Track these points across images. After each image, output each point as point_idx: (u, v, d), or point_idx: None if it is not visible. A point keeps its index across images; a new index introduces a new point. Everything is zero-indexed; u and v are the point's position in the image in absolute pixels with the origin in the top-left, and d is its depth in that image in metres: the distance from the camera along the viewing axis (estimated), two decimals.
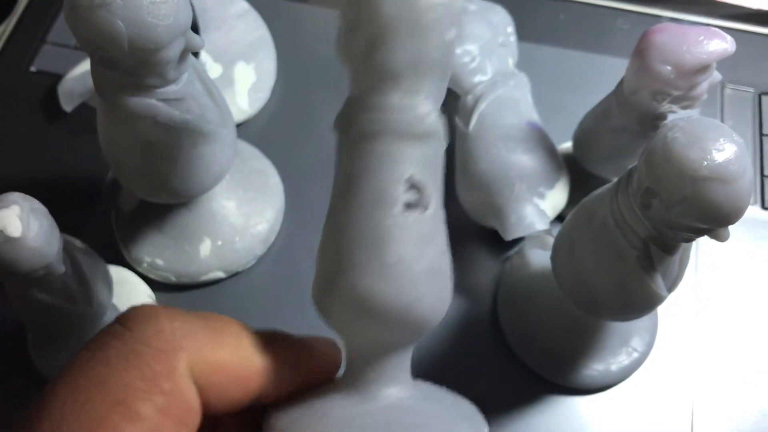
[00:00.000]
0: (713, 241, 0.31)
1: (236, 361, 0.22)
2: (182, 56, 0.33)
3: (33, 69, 0.52)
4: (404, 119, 0.20)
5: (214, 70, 0.50)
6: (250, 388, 0.22)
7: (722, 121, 0.51)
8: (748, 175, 0.29)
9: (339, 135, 0.21)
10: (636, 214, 0.31)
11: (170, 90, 0.34)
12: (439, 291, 0.23)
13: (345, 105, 0.21)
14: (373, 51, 0.20)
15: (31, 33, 0.54)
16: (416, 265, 0.21)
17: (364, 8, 0.19)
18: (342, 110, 0.21)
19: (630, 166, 0.33)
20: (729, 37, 0.37)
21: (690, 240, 0.32)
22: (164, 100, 0.34)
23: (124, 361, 0.20)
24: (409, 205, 0.21)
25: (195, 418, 0.20)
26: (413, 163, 0.21)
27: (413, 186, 0.21)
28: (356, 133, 0.21)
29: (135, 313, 0.21)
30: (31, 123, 0.50)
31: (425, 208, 0.21)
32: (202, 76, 0.36)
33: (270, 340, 0.23)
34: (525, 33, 0.52)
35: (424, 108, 0.21)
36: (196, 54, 0.34)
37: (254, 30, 0.52)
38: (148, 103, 0.34)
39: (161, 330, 0.20)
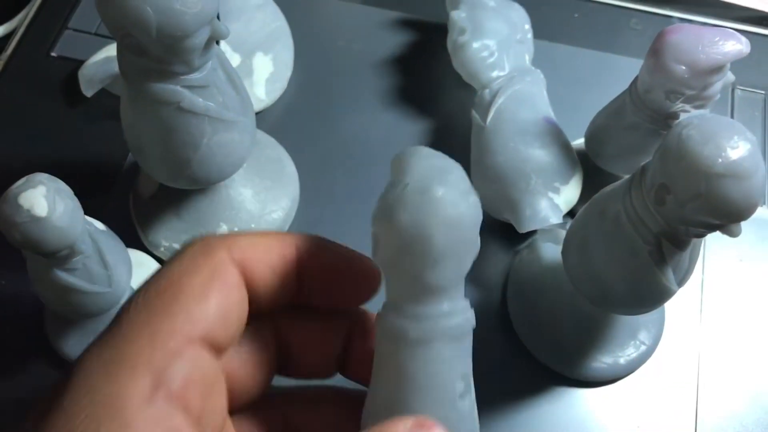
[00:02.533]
0: (720, 237, 0.32)
1: (268, 239, 0.24)
2: (207, 44, 0.34)
3: (54, 54, 0.53)
4: (455, 324, 0.22)
5: (233, 59, 0.50)
6: (286, 265, 0.24)
7: None
8: (761, 172, 0.29)
9: (387, 340, 0.22)
10: (649, 210, 0.32)
11: (194, 77, 0.35)
12: None
13: (389, 311, 0.22)
14: (425, 272, 0.21)
15: (53, 18, 0.54)
16: None
17: (419, 241, 0.20)
18: (387, 316, 0.22)
19: (643, 163, 0.34)
20: (744, 39, 0.37)
21: (702, 235, 0.32)
22: (188, 87, 0.35)
23: (169, 264, 0.22)
24: (462, 395, 0.22)
25: (237, 292, 0.23)
26: (463, 358, 0.23)
27: (463, 379, 0.23)
28: (411, 341, 0.21)
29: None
30: (52, 108, 0.51)
31: (471, 391, 0.23)
32: (225, 65, 0.36)
33: (306, 236, 0.25)
34: (540, 31, 0.52)
35: (465, 308, 0.22)
36: (217, 43, 0.35)
37: (273, 21, 0.53)
38: (173, 89, 0.34)
39: (195, 241, 0.23)
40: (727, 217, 0.30)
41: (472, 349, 0.23)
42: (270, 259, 0.24)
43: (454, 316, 0.22)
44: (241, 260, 0.23)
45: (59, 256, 0.34)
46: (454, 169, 0.22)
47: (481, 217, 0.22)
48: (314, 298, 0.25)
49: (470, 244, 0.21)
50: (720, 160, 0.29)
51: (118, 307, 0.39)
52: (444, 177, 0.21)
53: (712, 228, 0.31)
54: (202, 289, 0.22)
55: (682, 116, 0.40)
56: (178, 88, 0.34)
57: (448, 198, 0.21)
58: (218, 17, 0.38)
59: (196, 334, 0.21)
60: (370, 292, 0.25)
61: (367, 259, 0.25)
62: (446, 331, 0.22)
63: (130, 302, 0.21)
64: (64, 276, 0.35)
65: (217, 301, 0.22)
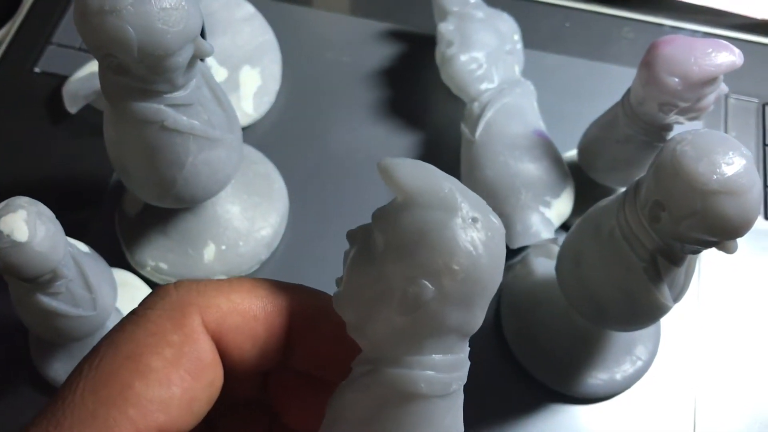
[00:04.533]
0: (716, 252, 0.31)
1: (250, 301, 0.21)
2: (191, 62, 0.33)
3: (37, 70, 0.52)
4: (467, 370, 0.20)
5: (219, 73, 0.50)
6: (269, 331, 0.21)
7: (726, 131, 0.52)
8: (757, 188, 0.29)
9: (391, 398, 0.19)
10: (643, 227, 0.32)
11: (178, 96, 0.34)
12: None
13: (391, 363, 0.19)
14: (472, 320, 0.19)
15: (36, 34, 0.54)
16: None
17: (484, 287, 0.18)
18: (397, 370, 0.19)
19: (636, 177, 0.33)
20: (737, 50, 0.37)
21: (697, 252, 0.32)
22: (172, 106, 0.34)
23: (134, 325, 0.20)
24: None
25: (209, 371, 0.20)
26: (457, 415, 0.20)
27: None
28: (435, 393, 0.19)
29: (150, 293, 0.21)
30: (35, 124, 0.50)
31: None
32: (210, 82, 0.36)
33: (294, 289, 0.22)
34: (530, 40, 0.52)
35: (466, 360, 0.20)
36: (202, 58, 0.34)
37: (260, 34, 0.52)
38: (156, 108, 0.34)
39: (169, 294, 0.20)
40: (723, 234, 0.29)
41: None
42: (253, 329, 0.21)
43: (467, 361, 0.20)
44: (216, 329, 0.20)
45: (41, 280, 0.33)
46: (490, 211, 0.19)
47: None
48: (304, 366, 0.22)
49: (493, 289, 0.19)
50: (715, 176, 0.28)
51: (106, 328, 0.39)
52: (484, 203, 0.19)
53: (708, 245, 0.30)
54: (165, 371, 0.19)
55: (676, 128, 0.40)
56: (162, 107, 0.34)
57: (502, 228, 0.19)
58: (204, 32, 0.38)
59: (151, 428, 0.18)
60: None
61: None
62: (464, 378, 0.20)
63: (80, 373, 0.19)
64: (46, 300, 0.34)
65: (183, 388, 0.19)
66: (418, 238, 0.18)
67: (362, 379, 0.19)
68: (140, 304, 0.20)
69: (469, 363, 0.20)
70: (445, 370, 0.19)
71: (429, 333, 0.18)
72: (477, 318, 0.19)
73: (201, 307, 0.20)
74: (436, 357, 0.19)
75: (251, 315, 0.21)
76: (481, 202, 0.19)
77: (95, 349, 0.19)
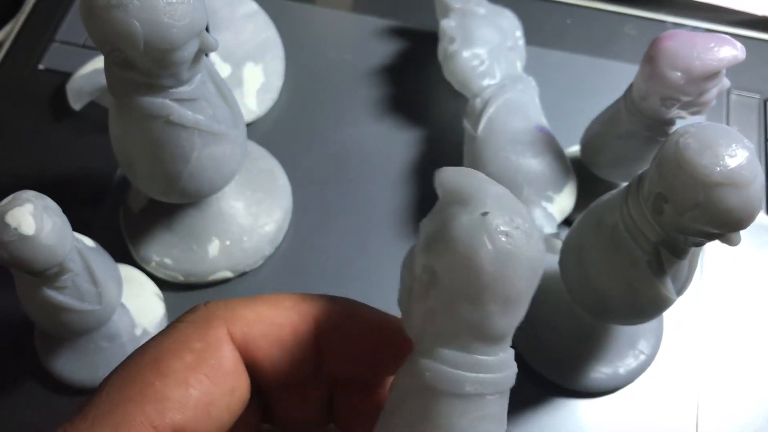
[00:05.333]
0: (719, 245, 0.31)
1: (275, 311, 0.21)
2: (196, 57, 0.33)
3: (41, 67, 0.52)
4: (507, 376, 0.19)
5: (223, 70, 0.50)
6: (296, 338, 0.21)
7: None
8: (759, 180, 0.29)
9: (425, 389, 0.19)
10: (647, 220, 0.32)
11: (183, 90, 0.34)
12: None
13: (429, 355, 0.19)
14: (495, 318, 0.18)
15: (40, 31, 0.54)
16: None
17: (500, 281, 0.18)
18: (431, 363, 0.19)
19: (639, 171, 0.33)
20: (739, 44, 0.37)
21: (701, 244, 0.32)
22: (177, 101, 0.34)
23: (162, 335, 0.21)
24: None
25: (229, 378, 0.20)
26: (504, 413, 0.20)
27: None
28: (464, 395, 0.19)
29: (185, 311, 0.22)
30: (39, 121, 0.50)
31: None
32: (214, 77, 0.36)
33: (318, 298, 0.22)
34: (532, 37, 0.52)
35: (512, 358, 0.20)
36: (206, 54, 0.34)
37: (263, 31, 0.53)
38: (162, 103, 0.34)
39: (198, 309, 0.21)
40: (726, 226, 0.29)
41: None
42: (279, 336, 0.21)
43: (508, 367, 0.19)
44: (243, 338, 0.21)
45: (48, 274, 0.33)
46: (521, 206, 0.19)
47: None
48: (335, 371, 0.23)
49: (536, 286, 0.19)
50: (718, 168, 0.28)
51: (111, 323, 0.39)
52: (521, 209, 0.19)
53: (711, 237, 0.31)
54: (184, 373, 0.19)
55: (679, 123, 0.40)
56: (167, 101, 0.34)
57: (534, 234, 0.18)
58: (207, 28, 0.38)
59: (167, 425, 0.19)
60: (400, 362, 0.21)
61: (395, 321, 0.22)
62: (502, 385, 0.19)
63: (110, 375, 0.20)
64: (53, 294, 0.34)
65: (200, 390, 0.20)
66: (436, 230, 0.18)
67: (402, 367, 0.20)
68: (176, 319, 0.21)
69: (500, 373, 0.19)
70: (454, 366, 0.19)
71: (442, 325, 0.19)
72: (492, 318, 0.18)
73: (227, 318, 0.21)
74: (448, 351, 0.19)
75: (277, 323, 0.21)
76: (509, 203, 0.19)
77: (128, 357, 0.20)
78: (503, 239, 0.18)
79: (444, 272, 0.18)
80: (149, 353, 0.20)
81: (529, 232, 0.18)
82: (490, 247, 0.18)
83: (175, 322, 0.21)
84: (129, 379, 0.19)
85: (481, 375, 0.19)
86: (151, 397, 0.19)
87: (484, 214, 0.18)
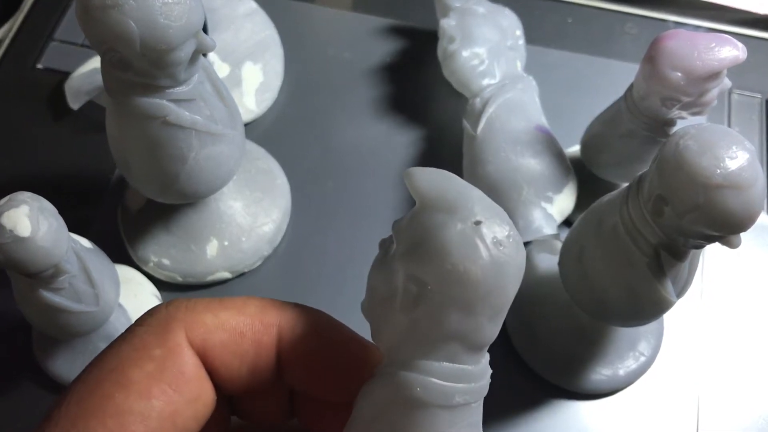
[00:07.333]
0: (719, 247, 0.31)
1: (237, 318, 0.21)
2: (193, 57, 0.33)
3: (40, 66, 0.52)
4: (486, 383, 0.19)
5: (221, 69, 0.50)
6: (257, 348, 0.21)
7: (729, 126, 0.51)
8: (760, 182, 0.29)
9: (409, 404, 0.19)
10: (647, 221, 0.31)
11: (180, 91, 0.34)
12: None
13: (409, 367, 0.19)
14: (483, 328, 0.18)
15: (38, 30, 0.54)
16: None
17: (494, 293, 0.18)
18: (414, 375, 0.18)
19: (639, 172, 0.33)
20: (740, 45, 0.37)
21: (701, 247, 0.32)
22: (174, 101, 0.34)
23: (122, 341, 0.20)
24: None
25: (192, 386, 0.20)
26: (480, 423, 0.20)
27: None
28: (451, 405, 0.18)
29: (145, 312, 0.21)
30: (38, 120, 0.50)
31: None
32: (212, 77, 0.36)
33: (286, 307, 0.22)
34: (533, 36, 0.52)
35: (477, 375, 0.19)
36: (204, 54, 0.34)
37: (262, 30, 0.52)
38: (159, 103, 0.34)
39: (159, 311, 0.21)
40: (727, 228, 0.29)
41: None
42: (239, 345, 0.20)
43: (488, 372, 0.19)
44: (201, 345, 0.20)
45: (44, 276, 0.33)
46: (505, 216, 0.19)
47: None
48: (293, 384, 0.22)
49: (511, 297, 0.18)
50: (718, 170, 0.28)
51: (108, 324, 0.39)
52: (506, 215, 0.18)
53: (711, 239, 0.30)
54: (146, 384, 0.19)
55: (679, 123, 0.40)
56: (164, 102, 0.34)
57: (521, 242, 0.18)
58: (206, 27, 0.38)
59: None
60: (361, 384, 0.20)
61: (366, 347, 0.22)
62: (483, 390, 0.19)
63: (70, 387, 0.19)
64: (49, 296, 0.34)
65: (163, 401, 0.19)
66: (421, 239, 0.18)
67: (375, 379, 0.19)
68: (134, 322, 0.21)
69: (483, 381, 0.19)
70: (444, 378, 0.18)
71: (428, 336, 0.18)
72: (483, 328, 0.18)
73: (187, 323, 0.20)
74: (435, 363, 0.18)
75: (238, 332, 0.21)
76: (497, 211, 0.18)
77: (88, 365, 0.20)
78: (498, 249, 0.17)
79: (436, 283, 0.18)
80: (108, 362, 0.19)
81: (518, 240, 0.18)
82: (486, 258, 0.17)
83: (134, 326, 0.20)
84: (89, 392, 0.19)
85: (469, 385, 0.19)
86: (112, 410, 0.18)
87: (477, 223, 0.18)
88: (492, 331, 0.18)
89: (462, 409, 0.19)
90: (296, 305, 0.22)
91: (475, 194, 0.19)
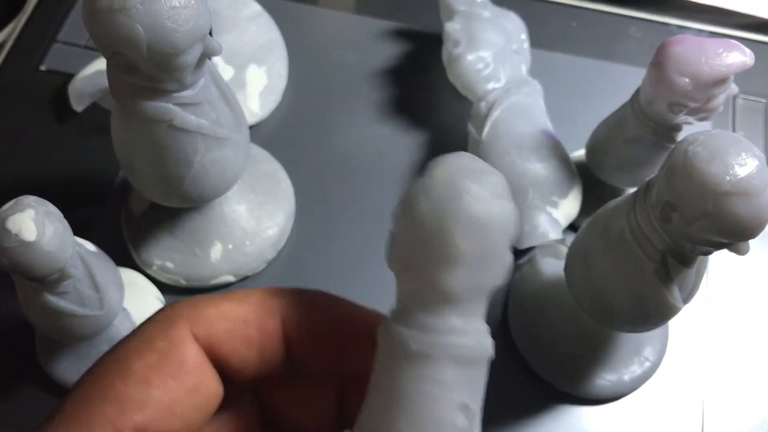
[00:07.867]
0: (725, 252, 0.31)
1: (239, 307, 0.21)
2: (200, 61, 0.33)
3: (43, 68, 0.52)
4: (464, 344, 0.19)
5: (225, 72, 0.49)
6: (263, 333, 0.21)
7: (734, 131, 0.51)
8: None
9: (385, 352, 0.20)
10: (654, 227, 0.31)
11: (186, 94, 0.34)
12: None
13: (393, 320, 0.20)
14: (438, 272, 0.19)
15: (42, 31, 0.53)
16: None
17: (437, 235, 0.18)
18: (390, 325, 0.20)
19: (647, 178, 0.33)
20: (748, 50, 0.37)
21: (708, 253, 0.32)
22: (180, 105, 0.34)
23: (130, 336, 0.21)
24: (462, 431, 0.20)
25: (191, 376, 0.20)
26: (469, 389, 0.20)
27: (464, 412, 0.20)
28: (410, 354, 0.19)
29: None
30: (41, 122, 0.50)
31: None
32: (218, 81, 0.36)
33: (285, 292, 0.22)
34: (537, 40, 0.52)
35: (481, 332, 0.20)
36: (209, 57, 0.34)
37: (266, 33, 0.52)
38: (165, 107, 0.33)
39: (165, 309, 0.21)
40: (735, 235, 0.29)
41: (485, 385, 0.20)
42: (245, 333, 0.21)
43: (466, 335, 0.19)
44: (206, 336, 0.21)
45: (49, 280, 0.33)
46: (492, 173, 0.19)
47: (515, 230, 0.19)
48: (307, 365, 0.22)
49: (496, 254, 0.19)
50: (728, 177, 0.28)
51: (113, 328, 0.39)
52: (479, 176, 0.19)
53: (720, 246, 0.30)
54: (146, 373, 0.20)
55: (686, 128, 0.39)
56: (170, 105, 0.33)
57: (478, 194, 0.18)
58: (211, 31, 0.37)
59: (128, 425, 0.19)
60: (371, 351, 0.21)
61: (369, 315, 0.22)
62: (453, 350, 0.19)
63: (80, 378, 0.20)
64: (54, 300, 0.34)
65: (162, 390, 0.20)
66: (407, 194, 0.19)
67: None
68: (145, 320, 0.21)
69: (451, 337, 0.19)
70: (409, 327, 0.19)
71: (399, 286, 0.20)
72: (444, 275, 0.19)
73: (190, 317, 0.21)
74: (401, 312, 0.20)
75: (242, 319, 0.21)
76: (478, 167, 0.19)
77: (99, 357, 0.21)
78: (440, 197, 0.18)
79: (396, 233, 0.19)
80: (114, 354, 0.20)
81: (472, 191, 0.18)
82: (426, 204, 0.18)
83: (143, 323, 0.21)
84: (93, 381, 0.20)
85: (427, 335, 0.19)
86: (111, 398, 0.19)
87: (431, 177, 0.19)
88: (454, 280, 0.19)
89: (425, 362, 0.19)
90: (297, 289, 0.22)
91: (458, 162, 0.20)
